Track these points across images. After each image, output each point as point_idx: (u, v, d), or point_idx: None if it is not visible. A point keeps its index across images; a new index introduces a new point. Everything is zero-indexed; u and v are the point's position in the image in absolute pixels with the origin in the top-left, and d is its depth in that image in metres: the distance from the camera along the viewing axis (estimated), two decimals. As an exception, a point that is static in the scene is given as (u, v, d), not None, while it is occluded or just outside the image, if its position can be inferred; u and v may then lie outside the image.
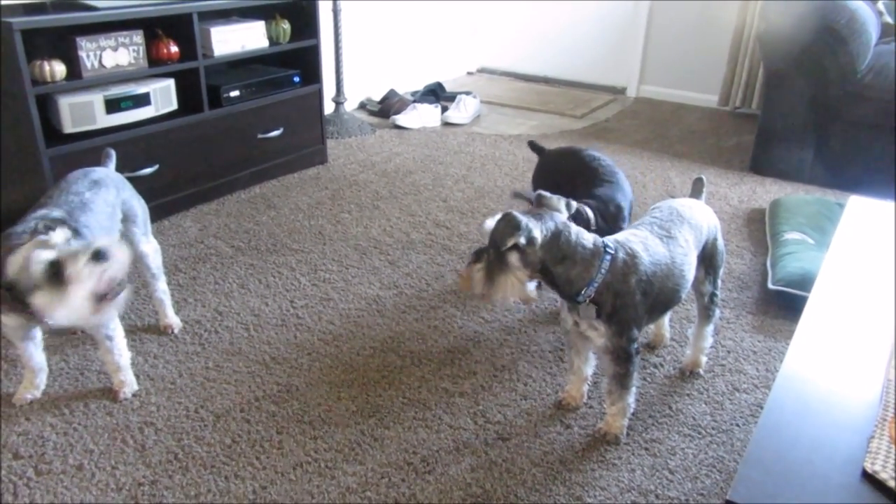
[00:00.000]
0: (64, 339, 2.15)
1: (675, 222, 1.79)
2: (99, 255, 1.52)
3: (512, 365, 2.11)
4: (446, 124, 4.36)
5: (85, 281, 1.50)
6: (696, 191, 2.00)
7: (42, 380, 1.91)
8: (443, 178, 3.49)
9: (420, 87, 4.84)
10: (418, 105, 4.36)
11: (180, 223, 2.91)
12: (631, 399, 1.79)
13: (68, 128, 2.57)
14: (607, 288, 1.61)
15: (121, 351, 1.89)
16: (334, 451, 1.75)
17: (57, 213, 1.71)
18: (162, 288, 2.16)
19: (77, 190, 1.83)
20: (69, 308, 1.50)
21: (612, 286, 1.61)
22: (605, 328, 1.65)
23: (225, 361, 2.08)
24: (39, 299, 1.50)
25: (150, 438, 1.78)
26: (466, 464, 1.74)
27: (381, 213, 3.09)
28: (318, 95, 3.50)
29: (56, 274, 1.49)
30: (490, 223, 1.57)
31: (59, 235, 1.56)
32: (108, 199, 1.90)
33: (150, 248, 2.10)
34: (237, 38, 3.08)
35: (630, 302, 1.63)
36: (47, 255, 1.50)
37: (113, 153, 2.09)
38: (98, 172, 1.94)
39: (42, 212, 1.72)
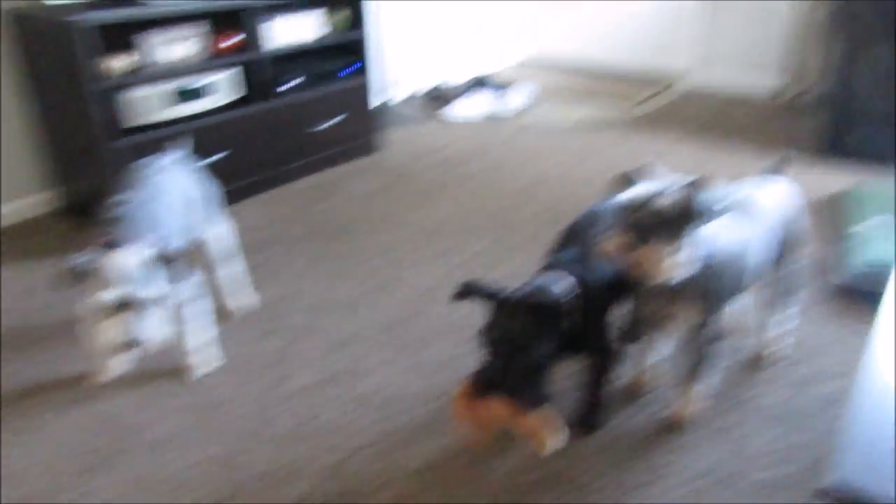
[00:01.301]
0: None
1: (752, 202, 1.76)
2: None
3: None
4: (495, 115, 4.35)
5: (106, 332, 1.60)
6: (777, 169, 1.94)
7: (121, 359, 1.95)
8: (495, 167, 3.48)
9: (469, 77, 4.83)
10: (468, 96, 4.36)
11: (242, 211, 2.96)
12: (706, 385, 1.77)
13: (137, 120, 2.63)
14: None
15: (204, 328, 1.93)
16: (408, 430, 1.77)
17: (137, 195, 1.78)
18: (235, 269, 2.21)
19: (150, 182, 1.89)
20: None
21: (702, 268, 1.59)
22: (692, 310, 1.63)
23: (297, 342, 2.12)
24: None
25: (230, 414, 1.82)
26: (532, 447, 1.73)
27: (436, 201, 3.10)
28: (369, 86, 3.53)
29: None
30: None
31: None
32: (181, 188, 1.95)
33: (223, 230, 2.14)
34: (295, 29, 3.11)
35: (717, 284, 1.61)
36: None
37: (184, 142, 2.14)
38: (168, 162, 1.99)
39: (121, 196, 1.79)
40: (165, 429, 1.79)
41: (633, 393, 1.91)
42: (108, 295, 1.58)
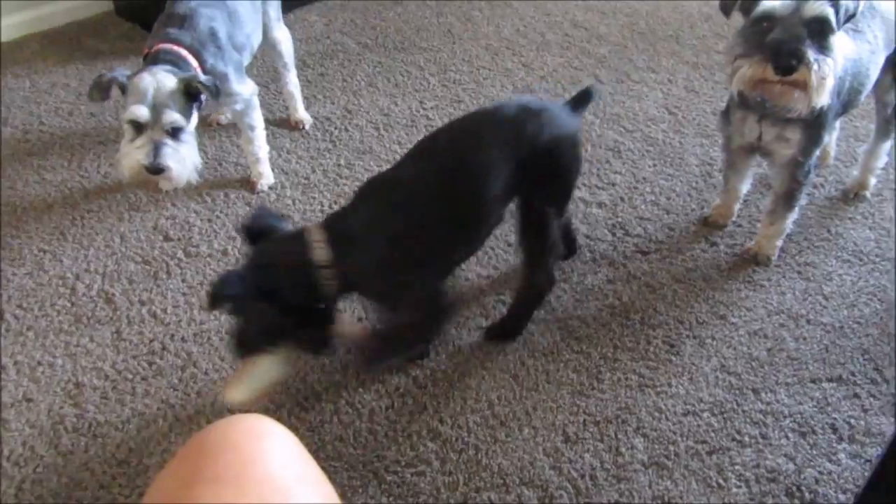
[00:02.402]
0: (201, 131, 2.17)
1: (866, 14, 1.51)
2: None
3: (654, 177, 1.96)
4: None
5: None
6: None
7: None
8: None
9: None
10: None
11: (305, 17, 2.79)
12: (790, 220, 1.63)
13: None
14: None
15: (260, 143, 1.89)
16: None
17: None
18: (293, 81, 2.11)
19: None
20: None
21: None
22: (800, 136, 1.45)
23: (356, 159, 2.06)
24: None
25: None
26: (603, 275, 1.68)
27: (513, 10, 2.84)
28: None
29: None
30: None
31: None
32: None
33: (283, 36, 2.02)
34: None
35: (832, 109, 1.42)
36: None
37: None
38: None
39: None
40: (232, 237, 1.80)
41: (715, 223, 1.79)
42: (131, 113, 1.52)
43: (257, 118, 1.86)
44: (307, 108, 2.21)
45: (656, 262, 1.70)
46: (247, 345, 1.26)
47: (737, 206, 1.78)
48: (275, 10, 1.96)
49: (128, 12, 2.82)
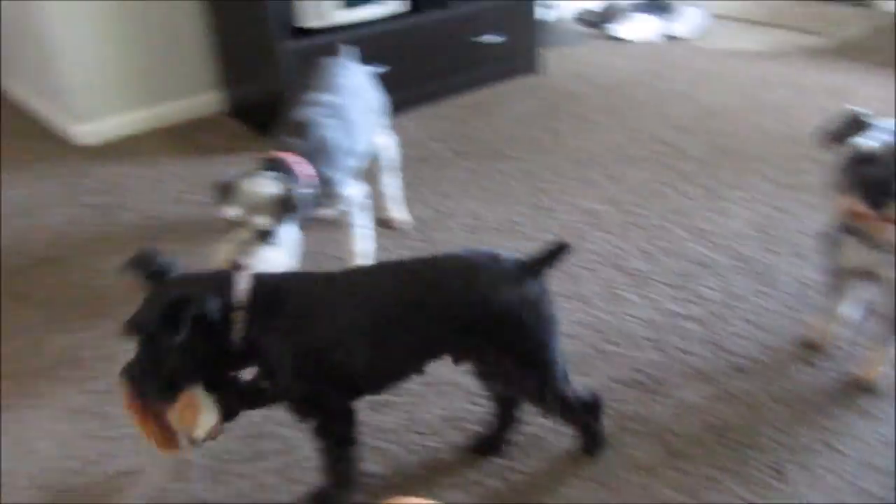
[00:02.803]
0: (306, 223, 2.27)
1: None
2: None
3: (746, 294, 1.95)
4: (667, 37, 4.04)
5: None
6: None
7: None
8: (664, 93, 3.25)
9: (638, -5, 4.50)
10: (637, 15, 4.07)
11: (401, 123, 2.97)
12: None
13: (309, 22, 2.66)
14: None
15: (364, 241, 1.98)
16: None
17: (328, 97, 1.83)
18: (395, 184, 2.22)
19: (338, 80, 1.90)
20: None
21: None
22: None
23: (449, 260, 2.12)
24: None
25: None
26: (700, 390, 1.65)
27: (598, 126, 2.95)
28: (533, 2, 3.36)
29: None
30: None
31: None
32: (365, 91, 1.96)
33: (388, 142, 2.15)
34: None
35: None
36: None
37: (353, 50, 2.13)
38: (352, 64, 2.00)
39: (315, 96, 1.83)
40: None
41: (814, 345, 1.76)
42: (226, 212, 1.61)
43: (363, 219, 1.95)
44: (404, 210, 2.31)
45: (755, 381, 1.67)
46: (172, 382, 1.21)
47: (838, 328, 1.75)
48: (384, 118, 2.10)
49: (239, 114, 3.05)
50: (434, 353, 1.32)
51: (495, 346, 1.28)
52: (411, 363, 1.32)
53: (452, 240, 2.22)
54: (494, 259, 1.27)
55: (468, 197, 2.46)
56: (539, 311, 1.27)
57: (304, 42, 2.65)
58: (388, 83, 2.95)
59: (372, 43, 2.83)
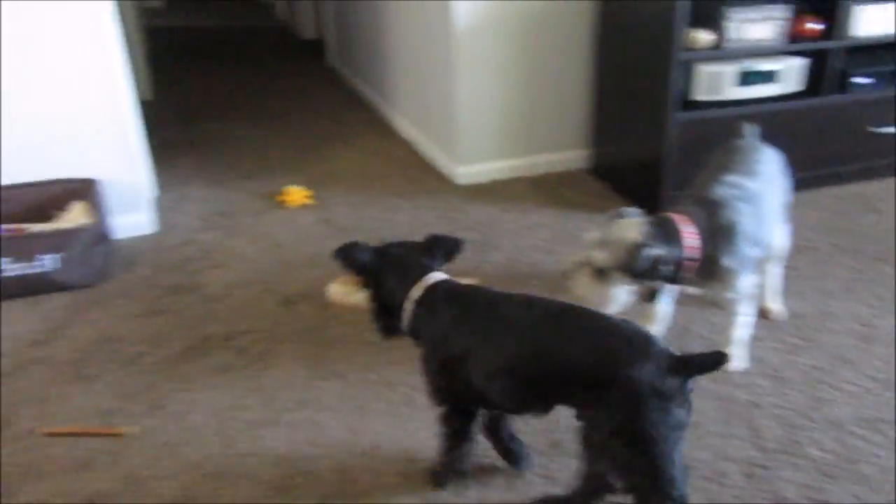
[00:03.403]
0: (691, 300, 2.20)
1: None
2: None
3: None
4: None
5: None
6: None
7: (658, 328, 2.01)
8: None
9: None
10: None
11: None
12: None
13: (699, 95, 2.65)
14: None
15: (744, 329, 1.87)
16: None
17: (745, 181, 1.79)
18: (778, 273, 2.08)
19: (756, 166, 1.85)
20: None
21: None
22: None
23: (834, 367, 1.91)
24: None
25: (760, 421, 1.73)
26: None
27: None
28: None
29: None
30: None
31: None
32: (778, 178, 1.88)
33: (783, 231, 2.02)
34: (887, 19, 2.75)
35: None
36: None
37: (756, 129, 2.05)
38: (767, 148, 1.94)
39: (732, 178, 1.80)
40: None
41: None
42: (585, 237, 1.70)
43: (748, 308, 1.85)
44: (781, 301, 2.15)
45: None
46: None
47: None
48: (785, 207, 1.98)
49: (602, 173, 3.13)
50: (557, 400, 1.34)
51: (606, 414, 1.22)
52: (537, 401, 1.36)
53: (838, 343, 2.00)
54: (646, 339, 1.23)
55: (854, 299, 2.20)
56: (664, 405, 1.19)
57: (694, 114, 2.63)
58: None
59: (757, 121, 2.72)
